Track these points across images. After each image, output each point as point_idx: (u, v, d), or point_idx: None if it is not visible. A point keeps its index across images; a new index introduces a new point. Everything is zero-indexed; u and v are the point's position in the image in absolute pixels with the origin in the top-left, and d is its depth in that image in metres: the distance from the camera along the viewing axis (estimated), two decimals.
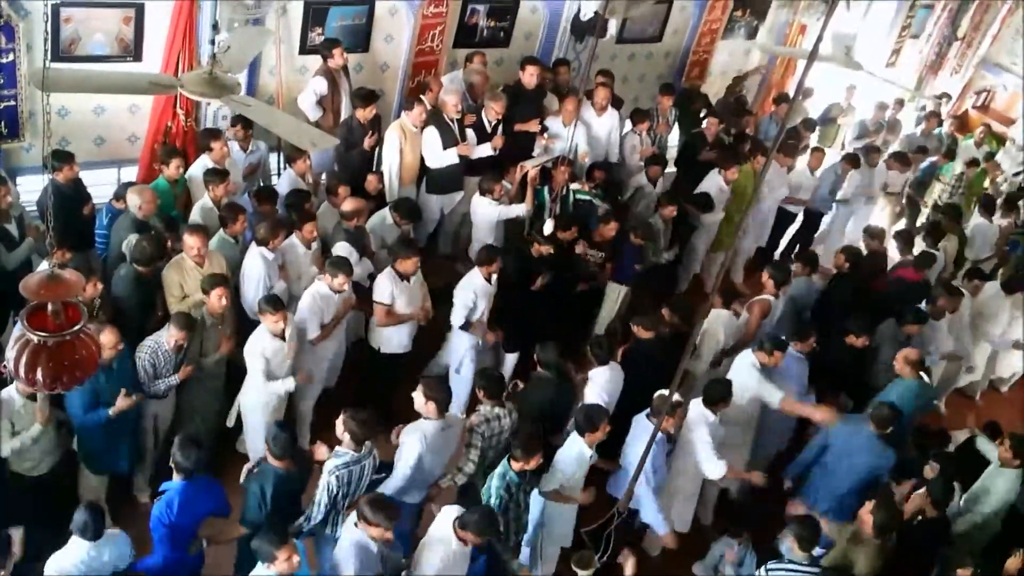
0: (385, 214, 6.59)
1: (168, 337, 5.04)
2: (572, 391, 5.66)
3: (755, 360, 5.87)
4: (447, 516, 4.48)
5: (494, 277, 6.19)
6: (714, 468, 5.36)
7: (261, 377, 5.26)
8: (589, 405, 5.21)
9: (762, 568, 4.75)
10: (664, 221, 7.56)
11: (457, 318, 6.16)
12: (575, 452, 5.01)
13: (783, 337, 6.12)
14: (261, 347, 5.24)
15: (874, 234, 8.11)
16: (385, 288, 5.86)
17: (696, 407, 5.47)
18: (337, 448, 4.66)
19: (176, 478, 4.40)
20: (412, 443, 4.85)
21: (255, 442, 5.57)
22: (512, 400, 5.46)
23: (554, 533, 5.23)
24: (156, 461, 5.56)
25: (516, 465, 4.77)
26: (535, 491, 5.07)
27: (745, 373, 5.85)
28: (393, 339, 6.09)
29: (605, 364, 5.68)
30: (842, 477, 5.57)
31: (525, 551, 5.27)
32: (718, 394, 5.45)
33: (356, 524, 4.28)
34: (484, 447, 5.11)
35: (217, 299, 5.25)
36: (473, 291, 6.11)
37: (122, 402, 4.85)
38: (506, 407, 5.24)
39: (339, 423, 4.63)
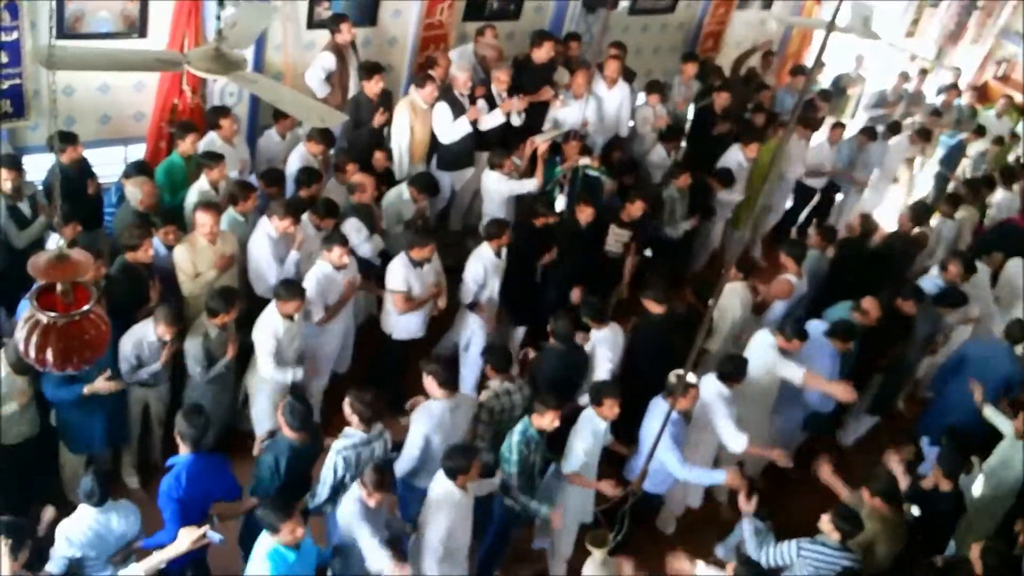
0: (402, 189, 6.51)
1: (155, 330, 4.99)
2: (583, 361, 5.62)
3: (774, 341, 5.77)
4: (440, 475, 4.51)
5: (503, 251, 6.11)
6: (736, 442, 5.30)
7: (269, 361, 5.20)
8: (601, 380, 5.17)
9: (793, 544, 4.66)
10: (680, 191, 7.44)
11: (466, 294, 6.09)
12: (589, 427, 4.98)
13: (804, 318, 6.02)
14: (272, 328, 5.18)
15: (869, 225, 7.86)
16: (399, 275, 5.77)
17: (710, 382, 5.41)
18: (346, 429, 4.65)
19: (183, 450, 4.39)
20: (419, 423, 4.83)
21: (262, 423, 5.54)
22: (523, 372, 5.41)
23: (573, 508, 5.18)
24: (151, 447, 5.60)
25: (537, 420, 4.75)
26: (552, 472, 5.04)
27: (763, 352, 5.76)
28: (407, 326, 6.00)
29: (604, 324, 5.62)
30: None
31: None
32: (733, 369, 5.39)
33: (358, 483, 4.35)
34: (495, 423, 5.08)
35: (229, 318, 5.16)
36: (483, 265, 6.04)
37: (100, 384, 4.80)
38: (516, 382, 5.21)
39: (346, 405, 4.62)
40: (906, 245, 7.75)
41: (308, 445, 4.59)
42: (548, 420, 4.76)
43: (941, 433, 6.19)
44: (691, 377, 5.08)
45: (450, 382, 4.87)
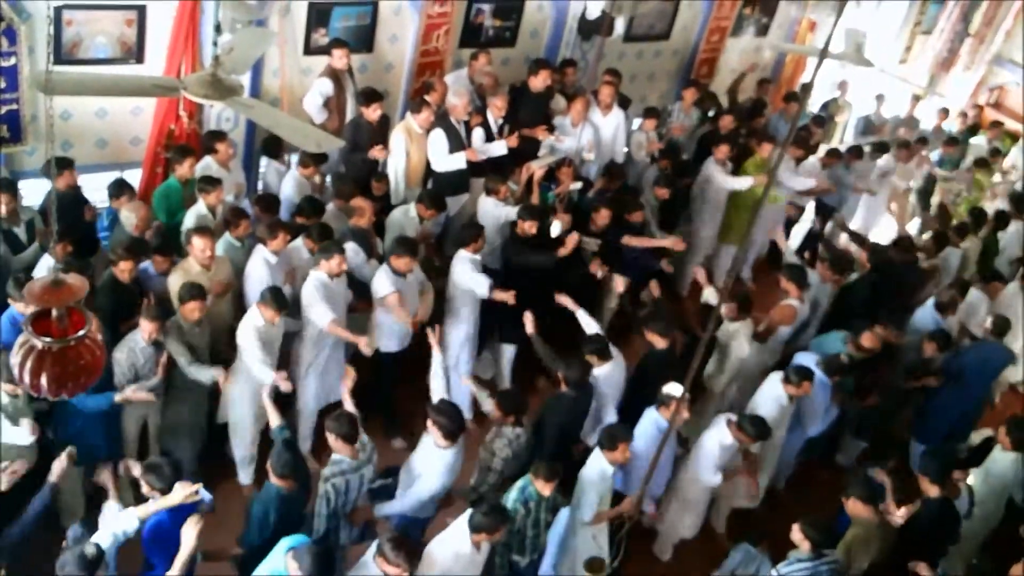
0: (408, 207, 6.52)
1: (142, 332, 4.97)
2: (590, 402, 5.57)
3: (782, 395, 5.70)
4: (461, 522, 4.38)
5: (480, 253, 6.19)
6: (709, 478, 5.38)
7: (257, 356, 5.12)
8: (612, 425, 5.11)
9: (773, 572, 4.69)
10: (657, 200, 7.48)
11: (482, 287, 6.03)
12: (597, 470, 4.92)
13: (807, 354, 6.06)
14: (255, 328, 5.16)
15: (902, 245, 7.78)
16: (386, 282, 5.77)
17: (719, 424, 5.40)
18: (334, 456, 4.55)
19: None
20: (436, 471, 4.73)
21: (243, 437, 5.53)
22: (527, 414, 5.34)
23: (584, 553, 5.08)
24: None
25: (539, 486, 4.66)
26: (576, 520, 4.99)
27: (770, 405, 5.71)
28: (391, 336, 6.00)
29: (608, 359, 5.59)
30: (978, 386, 6.75)
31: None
32: (755, 432, 5.32)
33: (375, 558, 4.06)
34: (502, 469, 5.03)
35: (191, 312, 5.11)
36: (471, 265, 6.08)
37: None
38: (523, 426, 5.13)
39: (327, 433, 4.53)
40: (918, 276, 7.71)
41: (297, 491, 4.44)
42: (547, 491, 4.68)
43: (935, 436, 6.42)
44: (678, 390, 5.08)
45: (454, 434, 4.74)
